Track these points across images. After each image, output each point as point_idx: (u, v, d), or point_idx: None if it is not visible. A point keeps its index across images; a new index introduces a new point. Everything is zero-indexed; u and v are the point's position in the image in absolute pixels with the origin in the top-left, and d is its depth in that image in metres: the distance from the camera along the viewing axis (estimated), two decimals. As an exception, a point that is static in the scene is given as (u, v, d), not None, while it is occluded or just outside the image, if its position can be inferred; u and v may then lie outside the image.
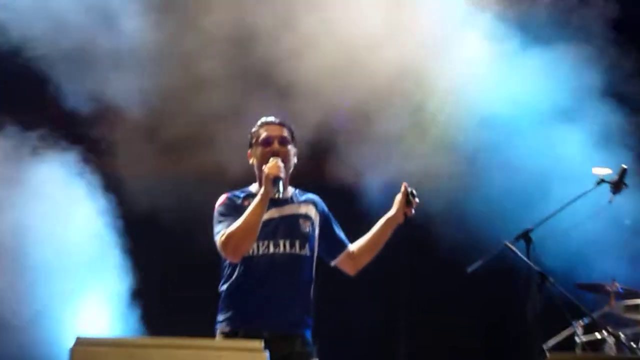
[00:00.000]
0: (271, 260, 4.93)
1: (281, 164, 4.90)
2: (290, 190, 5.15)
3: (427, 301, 8.07)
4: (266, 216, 4.91)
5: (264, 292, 4.90)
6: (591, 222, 6.25)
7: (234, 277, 4.95)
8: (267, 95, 6.46)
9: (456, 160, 6.62)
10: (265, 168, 4.85)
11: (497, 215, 6.44)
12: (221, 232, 4.86)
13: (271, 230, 4.99)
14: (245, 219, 4.80)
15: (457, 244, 6.54)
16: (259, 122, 5.15)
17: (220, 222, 4.92)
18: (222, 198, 5.03)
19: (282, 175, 4.84)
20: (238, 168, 5.91)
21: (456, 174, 6.57)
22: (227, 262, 4.96)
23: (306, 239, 5.05)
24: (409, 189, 4.99)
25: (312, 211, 5.16)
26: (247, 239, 4.81)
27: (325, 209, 5.25)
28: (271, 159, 4.91)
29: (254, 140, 5.12)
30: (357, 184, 6.94)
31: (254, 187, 5.13)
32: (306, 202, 5.18)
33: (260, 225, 4.81)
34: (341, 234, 5.26)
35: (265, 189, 4.82)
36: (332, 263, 5.22)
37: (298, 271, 4.98)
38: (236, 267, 4.94)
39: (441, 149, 6.57)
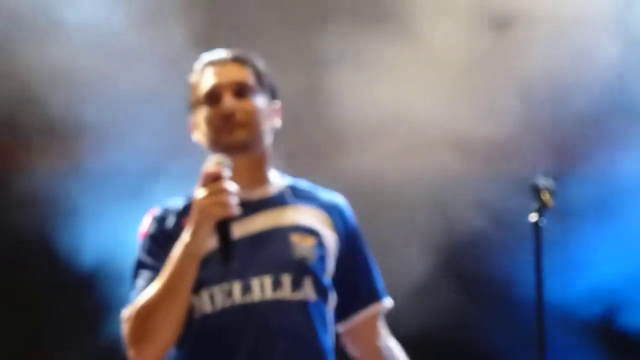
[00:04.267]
0: (242, 315, 2.43)
1: (218, 167, 2.38)
2: (276, 180, 2.58)
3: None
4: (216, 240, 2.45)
5: None
6: None
7: (181, 353, 2.48)
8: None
9: None
10: (198, 202, 2.37)
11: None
12: (128, 305, 2.47)
13: (234, 262, 2.42)
14: (151, 300, 2.40)
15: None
16: (199, 64, 2.59)
17: (135, 277, 2.51)
18: (146, 220, 2.55)
19: (231, 211, 2.36)
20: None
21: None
22: None
23: (306, 269, 2.48)
24: None
25: (321, 222, 2.54)
26: (152, 338, 2.39)
27: (354, 225, 2.62)
28: (211, 159, 2.42)
29: (193, 98, 2.57)
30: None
31: None
32: (310, 204, 2.57)
33: (190, 286, 2.39)
34: (371, 278, 2.63)
35: (195, 225, 2.36)
36: (340, 328, 2.62)
37: (297, 333, 2.45)
38: (185, 335, 2.44)
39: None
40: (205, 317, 2.43)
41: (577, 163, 4.63)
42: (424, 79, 4.59)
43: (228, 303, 2.43)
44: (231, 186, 2.34)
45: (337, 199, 2.61)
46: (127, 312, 2.42)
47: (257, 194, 2.51)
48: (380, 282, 2.64)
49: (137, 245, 2.52)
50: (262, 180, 2.53)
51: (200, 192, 2.35)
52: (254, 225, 2.48)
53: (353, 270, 2.58)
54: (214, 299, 2.43)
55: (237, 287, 2.43)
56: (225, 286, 2.43)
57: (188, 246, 2.35)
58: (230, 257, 2.34)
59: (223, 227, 2.34)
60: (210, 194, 2.33)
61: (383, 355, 2.61)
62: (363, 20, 4.63)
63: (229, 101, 2.49)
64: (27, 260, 4.57)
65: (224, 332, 2.43)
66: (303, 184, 2.61)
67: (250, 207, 2.46)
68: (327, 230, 2.54)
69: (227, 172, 2.36)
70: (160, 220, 2.51)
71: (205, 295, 2.43)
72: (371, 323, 2.62)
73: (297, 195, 2.56)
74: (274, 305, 2.43)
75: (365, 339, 2.62)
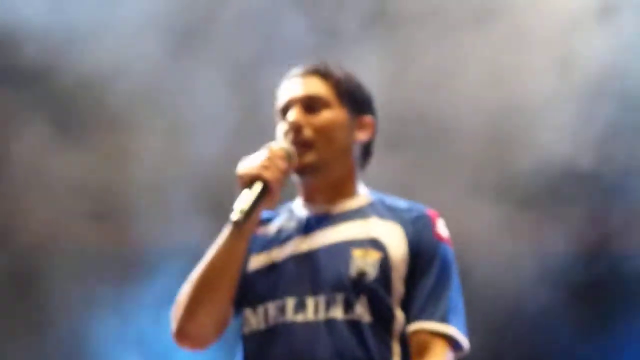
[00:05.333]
0: (284, 339, 2.31)
1: (281, 152, 2.33)
2: (361, 195, 2.43)
3: None
4: (286, 251, 2.37)
5: None
6: None
7: None
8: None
9: None
10: (240, 165, 2.33)
11: None
12: None
13: (290, 278, 2.34)
14: (197, 275, 2.34)
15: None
16: (285, 78, 2.49)
17: None
18: None
19: (271, 175, 2.29)
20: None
21: None
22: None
23: (363, 286, 2.30)
24: None
25: (394, 237, 2.35)
26: (194, 309, 2.32)
27: (434, 242, 2.38)
28: (264, 149, 2.36)
29: (276, 110, 2.46)
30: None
31: (297, 204, 2.47)
32: (389, 218, 2.38)
33: (237, 277, 2.33)
34: (431, 298, 2.34)
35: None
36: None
37: (346, 355, 2.28)
38: (238, 349, 2.40)
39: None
40: (257, 333, 2.33)
41: None
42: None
43: (279, 320, 2.31)
44: (280, 152, 2.31)
45: (422, 211, 2.39)
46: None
47: (337, 208, 2.39)
48: (446, 308, 2.32)
49: None
50: (345, 194, 2.41)
51: (245, 161, 2.32)
52: (321, 240, 2.36)
53: (415, 287, 2.33)
54: (268, 314, 2.33)
55: (290, 305, 2.31)
56: (279, 303, 2.32)
57: (229, 227, 2.30)
58: (244, 218, 2.25)
59: (260, 189, 2.27)
60: (257, 159, 2.30)
61: None
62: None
63: (293, 115, 2.37)
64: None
65: (272, 350, 2.31)
66: (391, 199, 2.44)
67: (325, 222, 2.37)
68: (397, 245, 2.34)
69: (280, 150, 2.32)
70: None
71: (260, 310, 2.33)
72: (419, 344, 2.30)
73: (377, 210, 2.39)
74: (324, 325, 2.29)
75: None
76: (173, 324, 2.34)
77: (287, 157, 2.32)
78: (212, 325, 2.33)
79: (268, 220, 2.42)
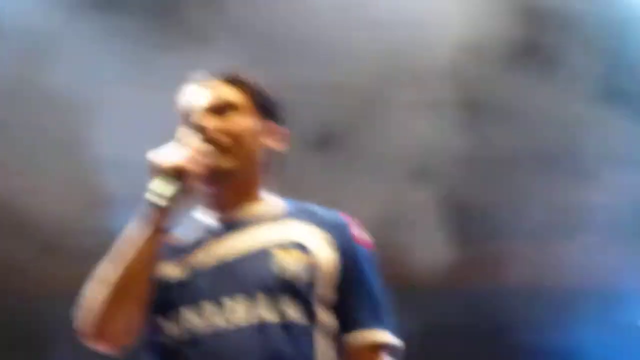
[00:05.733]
0: (213, 344, 2.20)
1: (202, 147, 2.27)
2: (271, 200, 2.37)
3: None
4: (195, 258, 2.28)
5: None
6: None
7: None
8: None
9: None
10: (161, 151, 2.26)
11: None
12: None
13: (207, 285, 2.25)
14: (114, 273, 2.22)
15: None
16: (186, 85, 2.42)
17: None
18: None
19: (193, 167, 2.23)
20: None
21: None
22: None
23: (287, 285, 2.23)
24: None
25: (318, 239, 2.29)
26: (113, 311, 2.20)
27: (357, 247, 2.34)
28: (185, 138, 2.32)
29: (181, 119, 2.38)
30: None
31: (200, 211, 2.39)
32: (307, 222, 2.33)
33: (149, 277, 2.23)
34: (366, 304, 2.32)
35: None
36: None
37: (271, 355, 2.19)
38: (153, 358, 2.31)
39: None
40: (174, 341, 2.24)
41: None
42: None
43: (198, 324, 2.22)
44: (197, 147, 2.25)
45: (340, 218, 2.36)
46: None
47: (246, 212, 2.33)
48: (380, 312, 2.31)
49: None
50: (254, 199, 2.35)
51: (166, 148, 2.26)
52: (238, 245, 2.28)
53: (348, 294, 2.28)
54: (184, 320, 2.23)
55: (207, 309, 2.22)
56: (195, 308, 2.23)
57: (142, 219, 2.21)
58: (170, 203, 2.18)
59: (176, 177, 2.19)
60: (179, 148, 2.24)
61: None
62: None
63: (207, 120, 2.31)
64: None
65: (193, 355, 2.21)
66: (302, 204, 2.39)
67: (237, 227, 2.31)
68: (325, 250, 2.28)
69: (199, 145, 2.26)
70: None
71: (174, 316, 2.24)
72: (360, 355, 2.29)
73: (294, 213, 2.34)
74: (244, 326, 2.20)
75: None
76: (84, 324, 2.22)
77: (207, 154, 2.26)
78: (133, 326, 2.23)
79: (192, 228, 2.34)
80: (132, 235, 2.21)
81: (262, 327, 2.20)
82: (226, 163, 2.29)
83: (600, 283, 4.71)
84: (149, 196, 2.19)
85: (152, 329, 2.26)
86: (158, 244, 2.22)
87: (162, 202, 2.17)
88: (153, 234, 2.21)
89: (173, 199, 2.19)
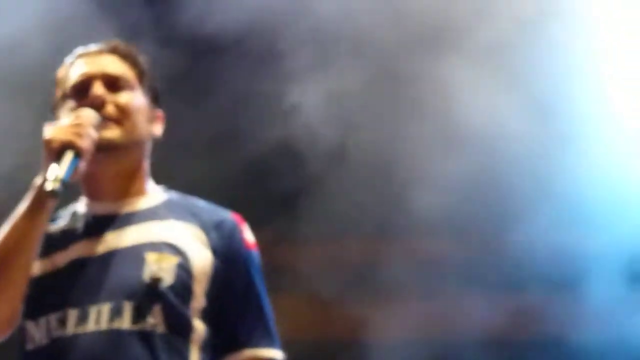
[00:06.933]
0: (74, 348, 2.04)
1: (92, 120, 2.06)
2: (154, 194, 2.19)
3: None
4: (70, 254, 2.10)
5: None
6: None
7: None
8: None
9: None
10: (48, 130, 2.05)
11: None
12: None
13: (73, 285, 2.08)
14: None
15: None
16: (70, 58, 2.23)
17: None
18: None
19: (86, 144, 2.02)
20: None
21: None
22: None
23: (156, 294, 2.04)
24: None
25: (193, 240, 2.10)
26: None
27: (243, 248, 2.15)
28: (72, 114, 2.09)
29: (59, 95, 2.19)
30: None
31: (80, 203, 2.19)
32: (186, 220, 2.13)
33: (32, 262, 2.05)
34: (253, 317, 2.14)
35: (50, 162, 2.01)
36: None
37: None
38: None
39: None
40: (38, 349, 2.06)
41: None
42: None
43: (60, 333, 2.04)
44: (88, 120, 2.05)
45: (225, 216, 2.15)
46: None
47: (126, 207, 2.13)
48: (267, 327, 2.14)
49: None
50: (135, 192, 2.15)
51: (54, 127, 2.05)
52: (110, 243, 2.09)
53: (230, 302, 2.11)
54: (49, 327, 2.06)
55: (72, 316, 2.04)
56: (60, 314, 2.05)
57: (31, 197, 2.01)
58: (61, 187, 1.96)
59: (69, 158, 1.99)
60: (68, 125, 2.03)
61: None
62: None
63: (98, 89, 2.11)
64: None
65: None
66: (187, 199, 2.19)
67: (114, 223, 2.11)
68: (199, 250, 2.08)
69: (89, 118, 2.06)
70: None
71: (41, 322, 2.06)
72: None
73: (174, 210, 2.14)
74: (108, 336, 2.02)
75: None
76: None
77: (97, 127, 2.06)
78: (8, 314, 2.04)
79: (75, 220, 2.16)
80: (19, 214, 2.02)
81: (118, 335, 2.02)
82: (113, 134, 2.09)
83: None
84: (38, 179, 2.02)
85: (21, 336, 2.10)
86: (40, 228, 2.03)
87: (53, 186, 1.96)
88: (40, 215, 2.01)
89: (66, 179, 1.97)
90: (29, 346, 2.07)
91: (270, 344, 2.12)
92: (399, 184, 4.17)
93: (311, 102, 4.17)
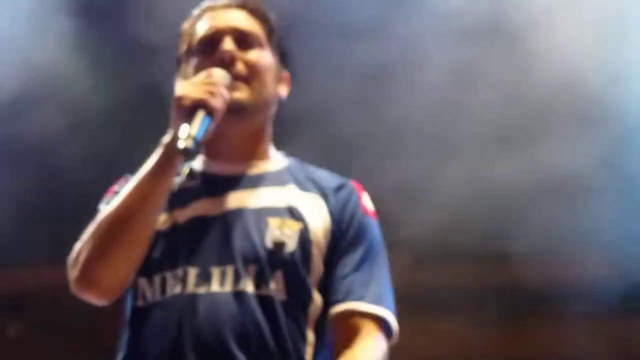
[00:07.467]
0: (188, 311, 1.98)
1: (224, 80, 2.00)
2: (277, 158, 2.15)
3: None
4: (188, 212, 2.05)
5: None
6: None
7: (124, 347, 2.05)
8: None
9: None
10: (180, 87, 1.99)
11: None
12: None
13: (193, 244, 2.02)
14: (114, 207, 1.97)
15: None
16: (196, 11, 2.16)
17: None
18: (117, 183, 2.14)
19: (219, 104, 1.96)
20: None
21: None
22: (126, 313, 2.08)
23: (279, 259, 2.00)
24: None
25: (314, 207, 2.06)
26: (110, 251, 1.95)
27: (360, 216, 2.09)
28: (204, 72, 2.01)
29: (184, 48, 2.13)
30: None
31: (197, 161, 2.14)
32: (308, 188, 2.09)
33: (156, 222, 2.00)
34: (359, 276, 2.04)
35: (180, 119, 1.94)
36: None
37: (252, 333, 1.96)
38: (127, 326, 2.06)
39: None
40: (152, 305, 2.00)
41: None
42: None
43: (177, 291, 1.98)
44: (220, 80, 1.98)
45: (344, 182, 2.11)
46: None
47: (249, 170, 2.08)
48: (378, 288, 2.03)
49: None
50: (259, 155, 2.11)
51: (185, 84, 1.98)
52: (232, 205, 2.04)
53: (343, 265, 2.03)
54: (165, 284, 2.00)
55: (192, 275, 1.98)
56: (180, 272, 1.99)
57: (161, 153, 1.95)
58: (195, 145, 1.89)
59: (201, 116, 1.92)
60: (195, 85, 1.95)
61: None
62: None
63: (228, 44, 2.05)
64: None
65: (170, 325, 1.97)
66: (306, 167, 2.15)
67: (237, 185, 2.06)
68: (318, 217, 2.04)
69: (221, 78, 1.99)
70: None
71: (156, 279, 2.00)
72: (348, 328, 2.00)
73: (295, 177, 2.09)
74: (233, 299, 1.96)
75: (337, 346, 2.02)
76: (75, 270, 1.96)
77: (229, 87, 1.99)
78: (126, 272, 1.97)
79: (191, 177, 2.10)
80: (141, 174, 1.97)
81: (242, 297, 1.97)
82: (243, 95, 2.03)
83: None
84: (167, 137, 1.97)
85: (133, 292, 2.05)
86: (166, 186, 1.97)
87: (186, 144, 1.89)
88: (163, 176, 1.95)
89: (194, 138, 1.90)
90: (140, 303, 2.02)
91: (378, 301, 2.02)
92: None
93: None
